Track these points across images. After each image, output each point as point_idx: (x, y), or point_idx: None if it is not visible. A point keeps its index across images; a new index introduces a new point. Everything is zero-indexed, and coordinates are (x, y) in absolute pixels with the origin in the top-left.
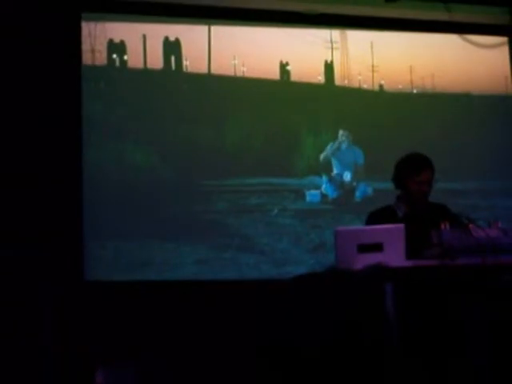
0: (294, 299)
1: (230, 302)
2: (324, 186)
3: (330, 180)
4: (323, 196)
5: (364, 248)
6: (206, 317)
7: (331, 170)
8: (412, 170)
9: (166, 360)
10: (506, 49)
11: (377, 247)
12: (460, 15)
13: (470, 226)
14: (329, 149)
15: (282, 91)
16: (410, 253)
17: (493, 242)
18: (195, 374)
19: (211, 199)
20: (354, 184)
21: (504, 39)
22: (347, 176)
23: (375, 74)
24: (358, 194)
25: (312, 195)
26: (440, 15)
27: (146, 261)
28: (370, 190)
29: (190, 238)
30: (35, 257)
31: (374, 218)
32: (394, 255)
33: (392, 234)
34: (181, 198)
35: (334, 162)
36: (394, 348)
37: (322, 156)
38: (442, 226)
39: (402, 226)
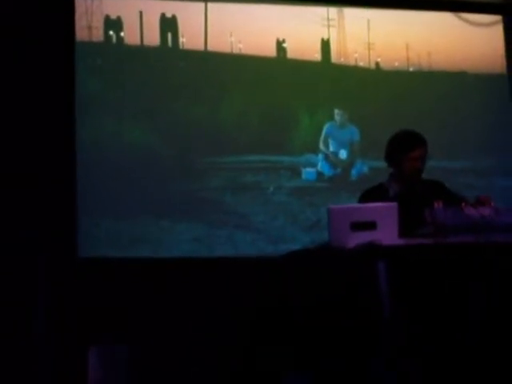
0: (288, 275)
1: (226, 279)
2: (320, 164)
3: (326, 158)
4: (319, 174)
5: (357, 226)
6: (202, 294)
7: (327, 148)
8: (405, 147)
9: (160, 339)
10: (500, 27)
11: (370, 225)
12: None
13: (463, 204)
14: (325, 131)
15: (278, 68)
16: (402, 231)
17: (486, 220)
18: (189, 352)
19: (207, 177)
20: (350, 162)
21: (498, 17)
22: (343, 154)
23: (371, 52)
24: (353, 172)
25: (308, 173)
26: None
27: (142, 238)
28: (365, 168)
29: (185, 215)
30: (28, 233)
31: (366, 196)
32: (388, 233)
33: (385, 212)
34: (176, 176)
35: (330, 140)
36: (387, 325)
37: (321, 141)
38: (436, 205)
39: (395, 204)
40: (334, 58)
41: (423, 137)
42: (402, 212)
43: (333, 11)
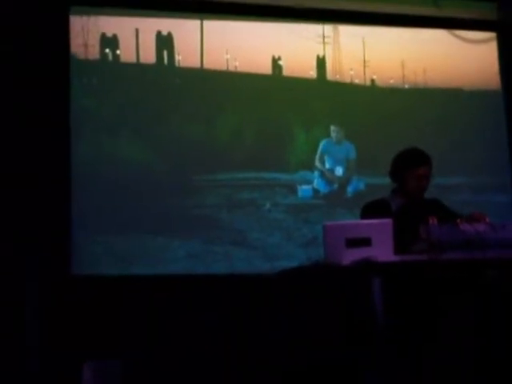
0: (282, 293)
1: (221, 296)
2: (316, 181)
3: (322, 175)
4: (315, 191)
5: (352, 242)
6: (198, 311)
7: (323, 165)
8: (411, 165)
9: (155, 355)
10: (494, 44)
11: (365, 242)
12: (449, 10)
13: (459, 220)
14: (321, 148)
15: (274, 86)
16: (402, 247)
17: (481, 236)
18: (185, 368)
19: (203, 194)
20: (346, 179)
21: (492, 35)
22: (339, 171)
23: (367, 69)
24: (349, 188)
25: (304, 190)
26: (430, 11)
27: (138, 255)
28: (361, 185)
29: (181, 232)
30: (22, 251)
31: (369, 209)
32: (383, 250)
33: (380, 229)
34: (173, 193)
35: (326, 157)
36: (381, 341)
37: (317, 158)
38: (430, 221)
39: (390, 220)
40: (330, 75)
41: (429, 155)
42: (402, 227)
43: (328, 28)
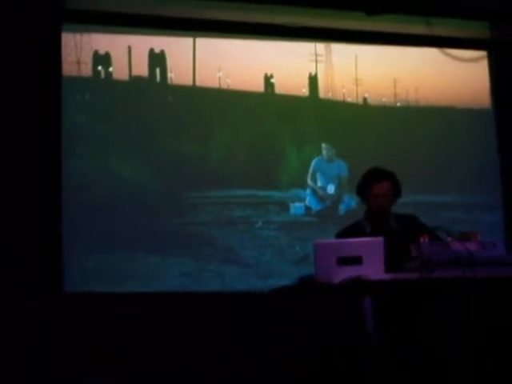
0: (274, 311)
1: (213, 313)
2: (308, 199)
3: (314, 193)
4: (307, 208)
5: (343, 261)
6: (190, 328)
7: (315, 183)
8: (367, 184)
9: (148, 372)
10: (485, 62)
11: (356, 260)
12: (440, 29)
13: (449, 239)
14: (313, 166)
15: (266, 104)
16: (388, 266)
17: (472, 255)
18: None
19: (196, 211)
20: (338, 197)
21: (483, 53)
22: (331, 189)
23: (359, 87)
24: (341, 206)
25: (296, 208)
26: (422, 29)
27: (130, 273)
28: (353, 203)
29: (174, 250)
30: (14, 269)
31: (342, 235)
32: (374, 268)
33: (371, 247)
34: (165, 210)
35: (318, 175)
36: (372, 359)
37: (309, 176)
38: (421, 240)
39: (381, 239)
40: (322, 93)
41: (388, 173)
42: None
43: (320, 47)
